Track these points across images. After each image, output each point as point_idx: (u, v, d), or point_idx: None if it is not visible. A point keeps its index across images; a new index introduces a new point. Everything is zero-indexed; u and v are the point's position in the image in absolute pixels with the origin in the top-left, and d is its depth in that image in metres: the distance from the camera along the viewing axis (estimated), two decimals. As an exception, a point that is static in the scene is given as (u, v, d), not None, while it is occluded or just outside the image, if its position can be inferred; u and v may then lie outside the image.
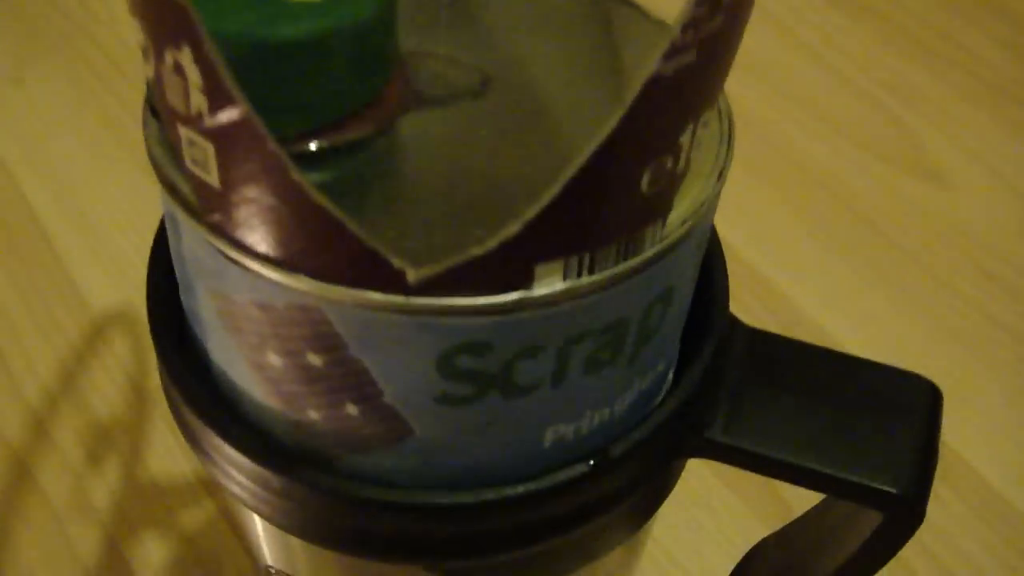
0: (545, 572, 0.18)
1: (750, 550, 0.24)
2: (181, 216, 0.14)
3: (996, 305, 0.40)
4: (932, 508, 0.33)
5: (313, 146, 0.14)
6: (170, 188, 0.14)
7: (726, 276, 0.18)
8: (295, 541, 0.18)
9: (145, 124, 0.15)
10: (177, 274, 0.16)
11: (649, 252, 0.13)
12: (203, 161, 0.12)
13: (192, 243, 0.14)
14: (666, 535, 0.33)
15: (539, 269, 0.13)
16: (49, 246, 0.40)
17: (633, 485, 0.16)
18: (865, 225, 0.42)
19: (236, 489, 0.16)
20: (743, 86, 0.47)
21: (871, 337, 0.38)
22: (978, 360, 0.38)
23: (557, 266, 0.13)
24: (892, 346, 0.38)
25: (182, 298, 0.16)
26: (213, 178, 0.12)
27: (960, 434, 0.36)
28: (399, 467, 0.15)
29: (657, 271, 0.14)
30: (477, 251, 0.12)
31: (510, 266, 0.12)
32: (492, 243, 0.12)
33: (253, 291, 0.13)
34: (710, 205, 0.14)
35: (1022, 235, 0.42)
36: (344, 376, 0.14)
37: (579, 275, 0.13)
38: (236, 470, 0.16)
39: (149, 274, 0.17)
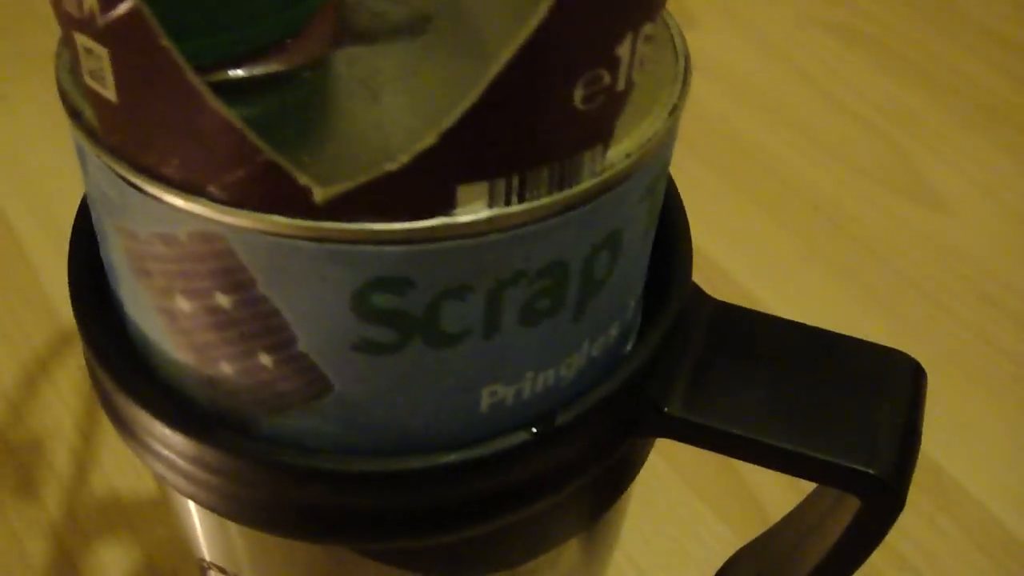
0: (493, 560, 0.16)
1: (726, 561, 0.22)
2: (85, 144, 0.13)
3: (996, 329, 0.38)
4: (931, 537, 0.32)
5: (234, 74, 0.13)
6: (74, 115, 0.13)
7: (689, 242, 0.16)
8: (224, 528, 0.17)
9: (58, 55, 0.14)
10: (93, 222, 0.15)
11: (587, 184, 0.12)
12: (99, 73, 0.11)
13: (96, 175, 0.13)
14: (637, 549, 0.31)
15: (461, 191, 0.11)
16: (24, 259, 0.39)
17: (584, 462, 0.15)
18: (863, 250, 0.41)
19: (154, 463, 0.15)
20: (741, 112, 0.46)
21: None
22: (977, 386, 0.37)
23: (481, 189, 0.11)
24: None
25: (101, 253, 0.15)
26: (110, 91, 0.11)
27: (960, 461, 0.34)
28: (321, 430, 0.14)
29: (599, 209, 0.13)
30: (391, 166, 0.11)
31: (428, 186, 0.11)
32: (406, 157, 0.11)
33: (156, 222, 0.12)
34: (661, 143, 0.13)
35: (1022, 259, 0.41)
36: (255, 319, 0.13)
37: (507, 201, 0.12)
38: (153, 439, 0.15)
39: (71, 245, 0.16)
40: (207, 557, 0.19)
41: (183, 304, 0.13)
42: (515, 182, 0.12)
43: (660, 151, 0.13)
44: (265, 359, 0.13)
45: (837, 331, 0.16)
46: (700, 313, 0.16)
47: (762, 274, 0.40)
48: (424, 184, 0.11)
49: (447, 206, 0.11)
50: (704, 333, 0.16)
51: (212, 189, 0.12)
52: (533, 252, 0.12)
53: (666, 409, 0.15)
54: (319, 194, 0.11)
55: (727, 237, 0.41)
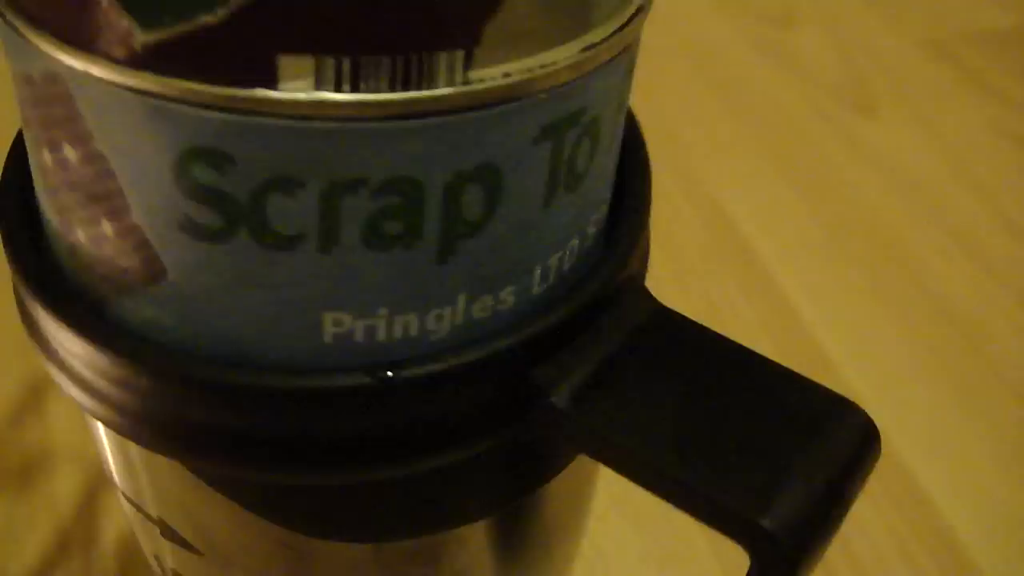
0: (374, 525, 0.15)
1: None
2: None
3: None
4: None
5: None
6: None
7: (639, 229, 0.15)
8: (106, 439, 0.16)
9: None
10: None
11: (440, 92, 0.11)
12: None
13: None
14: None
15: (283, 63, 0.10)
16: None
17: (447, 433, 0.13)
18: (995, 376, 0.37)
19: (38, 345, 0.15)
20: (896, 207, 0.43)
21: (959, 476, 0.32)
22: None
23: (306, 65, 0.10)
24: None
25: None
26: None
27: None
28: (160, 321, 0.13)
29: (461, 130, 0.11)
30: (210, 18, 0.10)
31: (246, 48, 0.10)
32: (225, 10, 0.10)
33: (19, 59, 0.12)
34: (568, 78, 0.12)
35: None
36: (96, 179, 0.12)
37: (338, 87, 0.11)
38: (33, 311, 0.14)
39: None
40: (117, 482, 0.18)
41: (46, 157, 0.13)
42: (346, 66, 0.11)
43: (569, 89, 0.12)
44: (107, 227, 0.12)
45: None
46: (631, 310, 0.14)
47: (876, 377, 0.36)
48: (242, 45, 0.10)
49: (268, 77, 0.11)
50: (627, 332, 0.14)
51: (56, 25, 0.11)
52: (372, 158, 0.11)
53: (552, 399, 0.13)
54: (139, 37, 0.11)
55: (848, 331, 0.37)
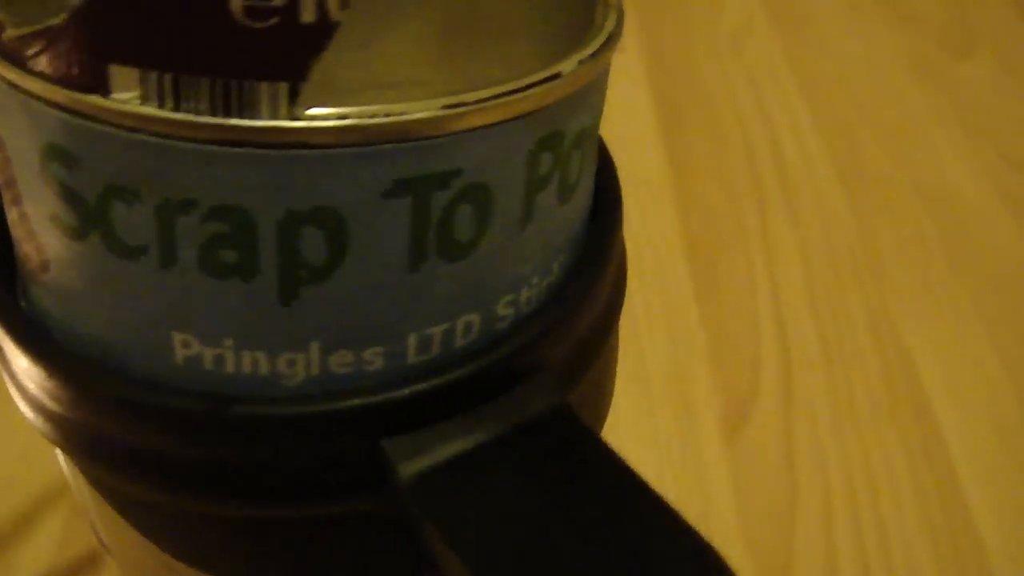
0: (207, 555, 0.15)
1: None
2: None
3: None
4: None
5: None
6: None
7: (560, 323, 0.13)
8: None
9: None
10: None
11: (260, 124, 0.11)
12: None
13: None
14: None
15: (114, 72, 0.11)
16: None
17: (287, 485, 0.13)
18: None
19: None
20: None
21: None
22: None
23: (132, 77, 0.11)
24: None
25: None
26: None
27: None
28: (51, 312, 0.13)
29: (290, 168, 0.11)
30: (54, 20, 0.11)
31: (82, 54, 0.11)
32: (64, 14, 0.11)
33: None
34: (426, 131, 0.11)
35: None
36: (4, 164, 0.13)
37: (160, 100, 0.11)
38: None
39: None
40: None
41: None
42: (167, 83, 0.11)
43: (430, 146, 0.11)
44: (14, 214, 0.13)
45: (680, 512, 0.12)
46: (524, 403, 0.13)
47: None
48: (79, 51, 0.11)
49: (102, 85, 0.11)
50: (511, 425, 0.13)
51: None
52: (198, 181, 0.11)
53: (397, 476, 0.13)
54: (8, 33, 0.11)
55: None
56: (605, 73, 0.14)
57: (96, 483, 0.14)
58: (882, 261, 0.41)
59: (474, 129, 0.11)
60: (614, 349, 0.16)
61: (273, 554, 0.14)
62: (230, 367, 0.12)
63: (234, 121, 0.11)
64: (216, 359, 0.12)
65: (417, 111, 0.11)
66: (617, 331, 0.16)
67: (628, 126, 0.49)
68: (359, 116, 0.11)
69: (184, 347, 0.12)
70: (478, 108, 0.11)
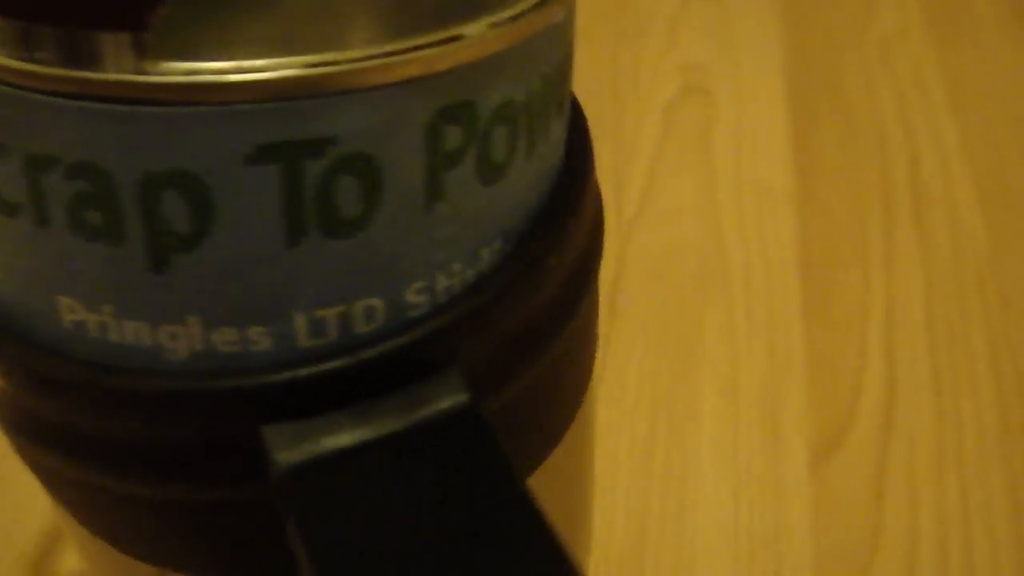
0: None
1: None
2: None
3: None
4: None
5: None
6: None
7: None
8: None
9: None
10: None
11: (102, 77, 0.10)
12: None
13: None
14: None
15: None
16: None
17: (166, 462, 0.12)
18: None
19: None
20: None
21: None
22: None
23: None
24: None
25: None
26: None
27: None
28: None
29: (136, 123, 0.10)
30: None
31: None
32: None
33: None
34: (290, 91, 0.10)
35: None
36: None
37: (14, 49, 0.10)
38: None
39: None
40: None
41: None
42: (15, 32, 0.10)
43: (295, 108, 0.10)
44: None
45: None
46: (423, 400, 0.12)
47: None
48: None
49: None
50: (407, 423, 0.12)
51: None
52: (56, 136, 0.10)
53: (274, 466, 0.12)
54: None
55: None
56: (550, 38, 0.12)
57: (18, 452, 0.14)
58: (1013, 291, 0.38)
59: (348, 92, 0.10)
60: (574, 355, 0.15)
61: (169, 532, 0.13)
62: (114, 335, 0.12)
63: (75, 73, 0.10)
64: (100, 326, 0.12)
65: (278, 69, 0.10)
66: (586, 338, 0.15)
67: (758, 125, 0.47)
68: (212, 72, 0.10)
69: (70, 311, 0.12)
70: (350, 69, 0.10)
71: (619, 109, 0.48)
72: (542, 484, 0.15)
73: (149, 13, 0.10)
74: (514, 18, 0.11)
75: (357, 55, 0.10)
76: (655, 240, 0.41)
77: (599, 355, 0.36)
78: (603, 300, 0.39)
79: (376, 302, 0.12)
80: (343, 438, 0.12)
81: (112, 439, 0.12)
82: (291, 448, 0.12)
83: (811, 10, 0.54)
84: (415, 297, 0.12)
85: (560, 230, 0.13)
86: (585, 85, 0.49)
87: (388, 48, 0.10)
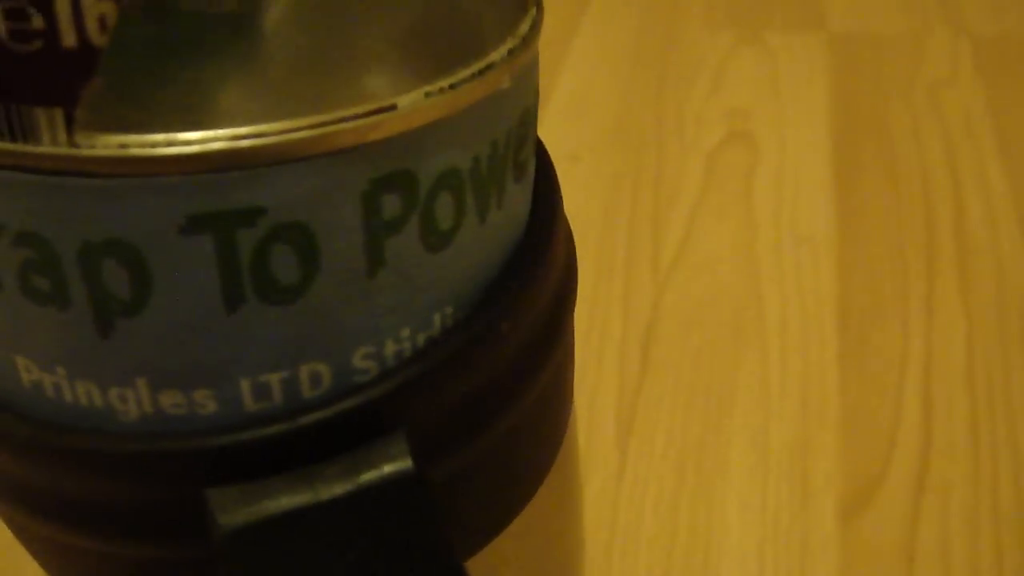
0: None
1: None
2: None
3: None
4: None
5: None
6: None
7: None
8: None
9: None
10: None
11: (34, 150, 0.10)
12: None
13: None
14: None
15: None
16: None
17: (112, 521, 0.12)
18: None
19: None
20: None
21: None
22: None
23: None
24: None
25: None
26: None
27: None
28: None
29: (71, 195, 0.10)
30: None
31: None
32: None
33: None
34: (215, 163, 0.10)
35: None
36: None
37: None
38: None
39: None
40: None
41: None
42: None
43: (223, 179, 0.11)
44: None
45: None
46: (364, 466, 0.12)
47: None
48: None
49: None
50: (347, 490, 0.12)
51: None
52: (0, 205, 0.11)
53: (216, 528, 0.12)
54: None
55: None
56: (498, 105, 0.12)
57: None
58: (1061, 341, 0.36)
59: (279, 163, 0.11)
60: (537, 422, 0.15)
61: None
62: (67, 396, 0.12)
63: (11, 146, 0.10)
64: (55, 387, 0.12)
65: (207, 142, 0.10)
66: (551, 404, 0.15)
67: (801, 172, 0.46)
68: (143, 145, 0.10)
69: (27, 371, 0.12)
70: (279, 141, 0.11)
71: (661, 155, 0.48)
72: (509, 550, 0.15)
73: (79, 88, 0.10)
74: (453, 86, 0.11)
75: (286, 127, 0.11)
76: (692, 288, 0.41)
77: (629, 403, 0.36)
78: (636, 347, 0.38)
79: (322, 367, 0.12)
80: (285, 501, 0.12)
81: (63, 495, 0.12)
82: (234, 511, 0.12)
83: (860, 56, 0.54)
84: (362, 362, 0.12)
85: (515, 296, 0.13)
86: (629, 131, 0.49)
87: (318, 119, 0.11)
